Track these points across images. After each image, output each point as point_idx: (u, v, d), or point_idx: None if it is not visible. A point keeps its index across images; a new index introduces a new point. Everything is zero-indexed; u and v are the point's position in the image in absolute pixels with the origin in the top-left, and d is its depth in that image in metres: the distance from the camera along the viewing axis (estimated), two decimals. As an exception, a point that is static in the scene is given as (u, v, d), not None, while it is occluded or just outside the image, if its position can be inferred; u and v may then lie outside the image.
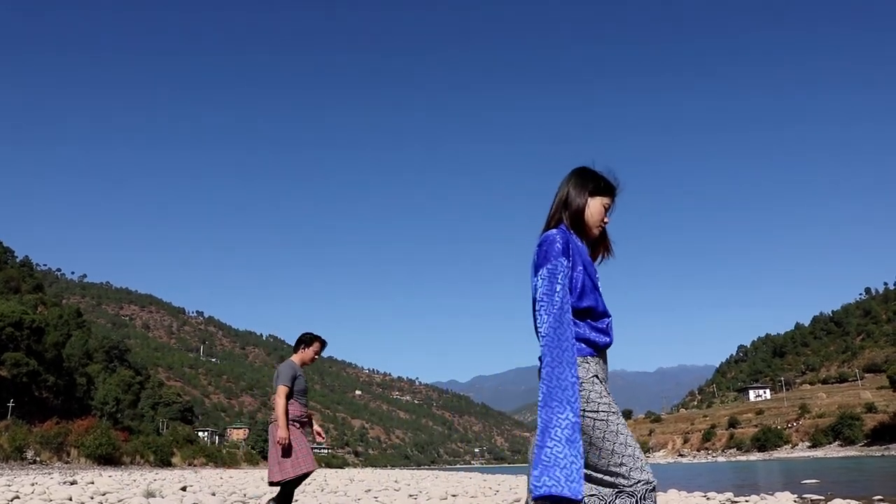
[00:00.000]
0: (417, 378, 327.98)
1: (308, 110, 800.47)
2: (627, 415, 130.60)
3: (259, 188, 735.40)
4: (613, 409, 2.14)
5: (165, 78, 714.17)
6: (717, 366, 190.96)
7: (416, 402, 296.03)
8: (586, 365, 2.16)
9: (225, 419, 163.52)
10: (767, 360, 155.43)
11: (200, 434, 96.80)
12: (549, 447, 1.99)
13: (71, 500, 9.76)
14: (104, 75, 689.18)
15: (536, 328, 2.20)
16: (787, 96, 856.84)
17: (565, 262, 2.17)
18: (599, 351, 2.23)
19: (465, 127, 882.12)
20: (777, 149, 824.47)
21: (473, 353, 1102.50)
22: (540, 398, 2.04)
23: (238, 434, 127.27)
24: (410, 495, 11.62)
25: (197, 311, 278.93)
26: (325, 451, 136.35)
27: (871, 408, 79.06)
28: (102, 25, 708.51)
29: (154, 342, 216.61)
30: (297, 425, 4.95)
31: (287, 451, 4.80)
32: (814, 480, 17.73)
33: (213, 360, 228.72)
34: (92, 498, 10.09)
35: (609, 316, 2.27)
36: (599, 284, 2.28)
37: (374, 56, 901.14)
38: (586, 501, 2.13)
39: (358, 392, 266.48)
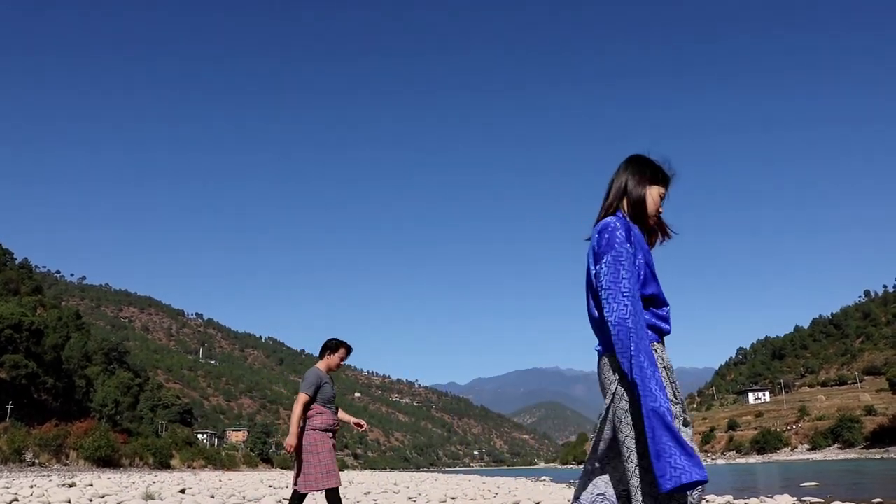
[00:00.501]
0: (417, 380, 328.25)
1: (306, 111, 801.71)
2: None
3: (258, 190, 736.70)
4: (673, 405, 2.11)
5: (164, 79, 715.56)
6: (717, 368, 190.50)
7: (415, 404, 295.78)
8: (655, 353, 2.14)
9: (224, 421, 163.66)
10: (767, 362, 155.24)
11: (199, 436, 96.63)
12: (657, 436, 1.96)
13: (69, 502, 9.77)
14: (104, 76, 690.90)
15: (593, 317, 2.19)
16: (786, 98, 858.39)
17: (630, 249, 2.14)
18: (662, 338, 2.22)
19: (464, 129, 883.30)
20: (776, 151, 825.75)
21: (473, 356, 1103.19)
22: (637, 391, 2.00)
23: (237, 436, 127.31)
24: (410, 498, 11.62)
25: (196, 314, 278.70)
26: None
27: (870, 410, 79.18)
28: (103, 25, 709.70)
29: (153, 344, 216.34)
30: (330, 434, 4.77)
31: (310, 461, 4.65)
32: (813, 483, 17.73)
33: (213, 362, 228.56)
34: (91, 500, 10.10)
35: (668, 304, 2.25)
36: (657, 272, 2.26)
37: (375, 57, 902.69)
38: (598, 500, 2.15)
39: (357, 394, 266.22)
